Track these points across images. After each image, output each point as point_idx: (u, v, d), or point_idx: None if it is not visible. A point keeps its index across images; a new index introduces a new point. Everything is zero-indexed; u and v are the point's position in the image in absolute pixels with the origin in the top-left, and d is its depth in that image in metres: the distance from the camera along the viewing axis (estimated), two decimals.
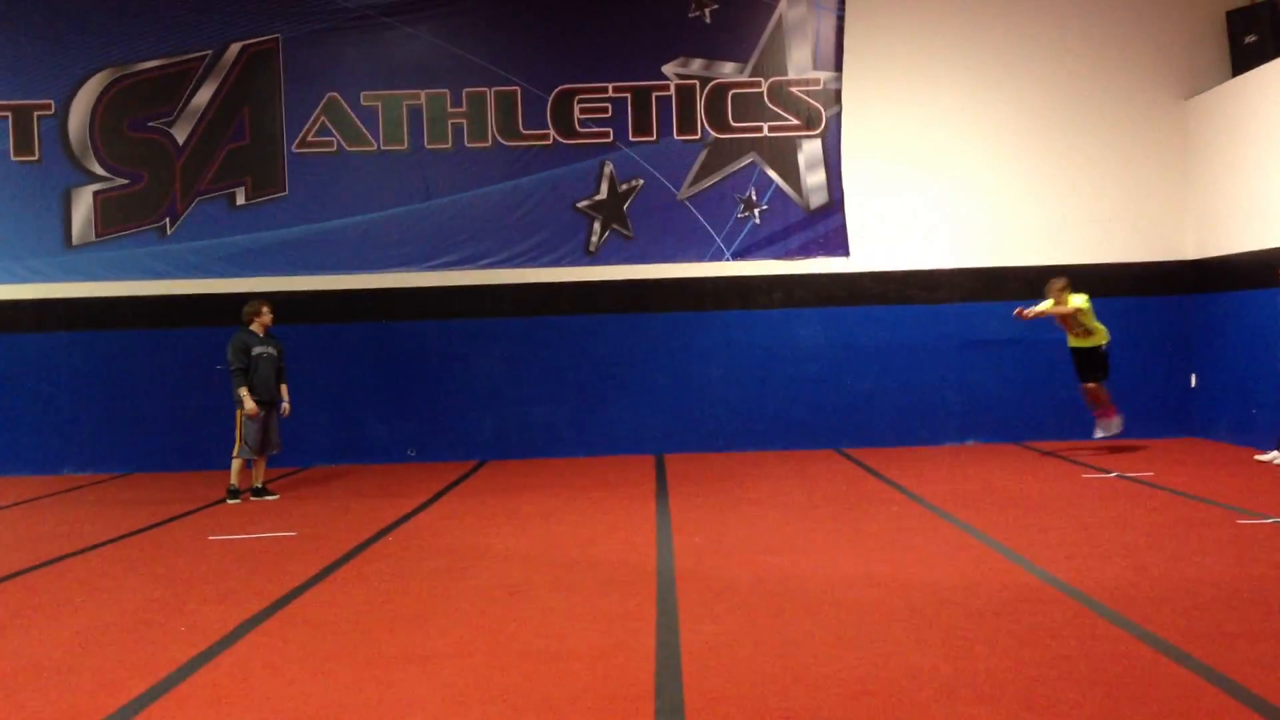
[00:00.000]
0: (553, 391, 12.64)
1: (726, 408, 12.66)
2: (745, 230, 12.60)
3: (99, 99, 12.47)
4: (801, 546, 7.29)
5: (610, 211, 12.60)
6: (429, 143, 12.61)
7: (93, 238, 12.49)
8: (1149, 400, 12.56)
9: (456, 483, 10.86)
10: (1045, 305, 11.00)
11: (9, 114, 12.45)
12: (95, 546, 8.07)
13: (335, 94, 12.55)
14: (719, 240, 12.59)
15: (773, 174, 12.59)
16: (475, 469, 11.85)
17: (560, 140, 12.57)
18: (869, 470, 10.71)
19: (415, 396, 12.64)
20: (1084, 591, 5.81)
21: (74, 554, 7.80)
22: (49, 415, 12.51)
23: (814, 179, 12.61)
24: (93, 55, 12.47)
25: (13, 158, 12.46)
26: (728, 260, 12.60)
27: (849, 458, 11.68)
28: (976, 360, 12.47)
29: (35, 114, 12.46)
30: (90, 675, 4.94)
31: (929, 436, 12.54)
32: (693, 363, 12.65)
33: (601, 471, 11.28)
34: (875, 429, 12.55)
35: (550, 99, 12.55)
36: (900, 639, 5.10)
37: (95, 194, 12.48)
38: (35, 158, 12.47)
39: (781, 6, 12.57)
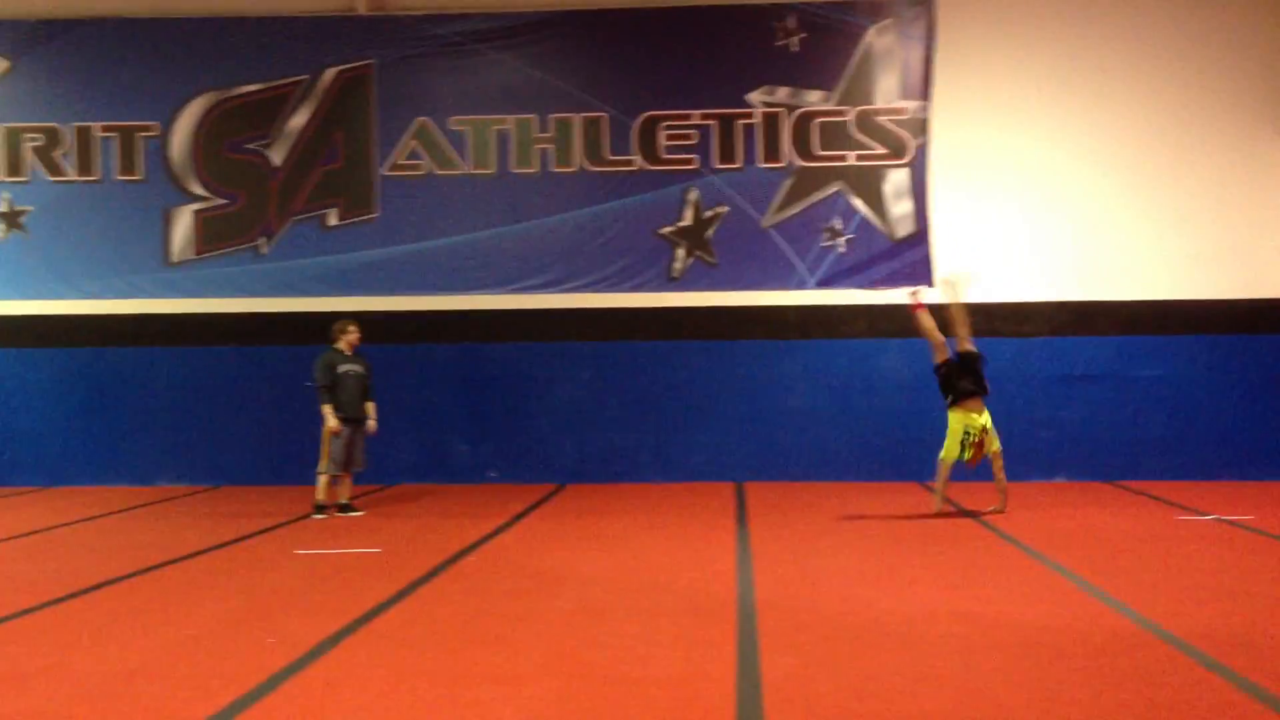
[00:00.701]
0: (634, 417, 12.67)
1: (808, 437, 12.56)
2: (829, 259, 12.53)
3: (201, 121, 12.85)
4: (885, 580, 7.19)
5: (694, 238, 12.63)
6: (516, 167, 12.77)
7: (192, 255, 12.85)
8: (1249, 441, 12.18)
9: (537, 505, 10.92)
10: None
11: (116, 135, 12.89)
12: (188, 557, 8.26)
13: (426, 118, 12.78)
14: (803, 269, 12.54)
15: (858, 203, 12.52)
16: (555, 492, 11.91)
17: (645, 166, 12.65)
18: (953, 504, 10.53)
19: (498, 418, 12.75)
20: (1180, 636, 5.63)
21: (168, 563, 7.99)
22: (146, 427, 12.88)
23: (900, 208, 12.51)
24: (196, 79, 12.87)
25: (117, 177, 12.90)
26: (811, 289, 12.54)
27: (932, 492, 11.48)
28: (1066, 395, 12.21)
29: (140, 135, 12.88)
30: (182, 683, 5.05)
31: (1015, 472, 12.20)
32: (774, 391, 12.58)
33: (681, 498, 11.26)
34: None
35: (636, 125, 12.64)
36: (987, 678, 5.00)
37: (195, 213, 12.86)
38: (139, 177, 12.89)
39: (870, 36, 12.52)
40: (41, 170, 12.90)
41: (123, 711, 4.66)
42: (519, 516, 10.14)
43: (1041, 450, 12.31)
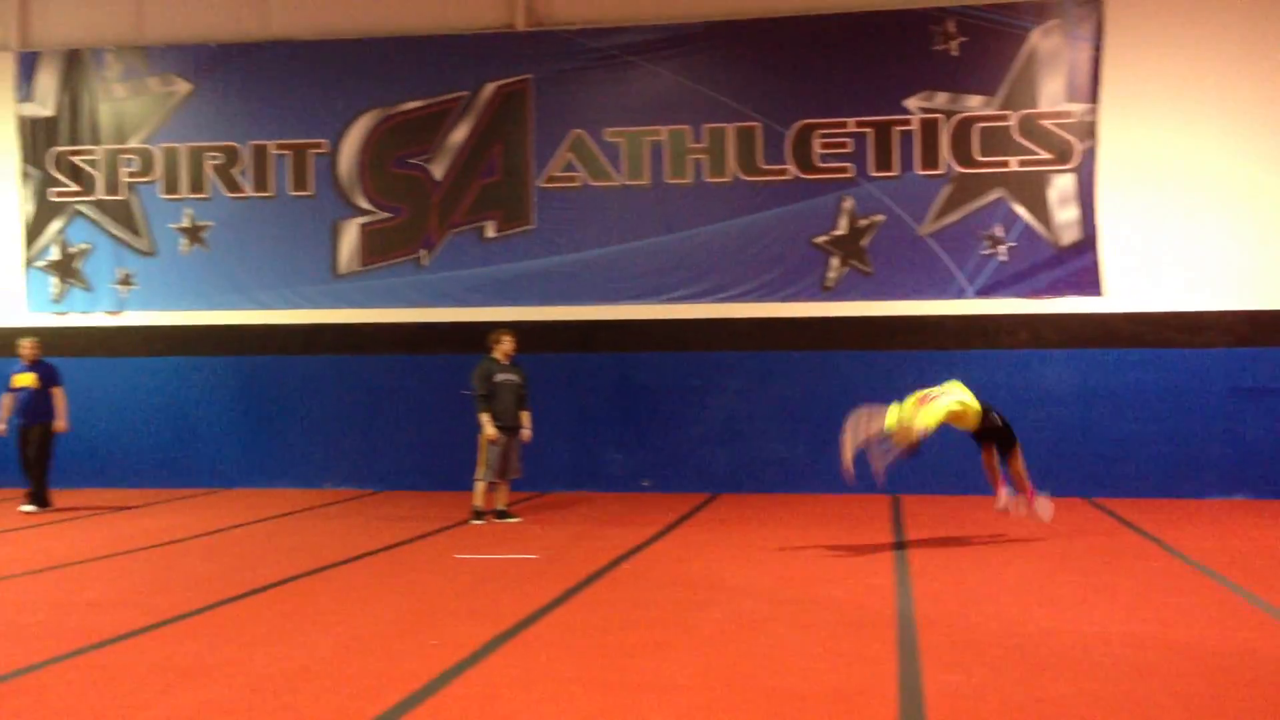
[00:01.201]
0: (787, 427, 12.55)
1: (967, 450, 12.15)
2: (990, 267, 12.18)
3: (367, 138, 13.33)
4: (1052, 599, 6.93)
5: (848, 247, 12.45)
6: (669, 177, 12.83)
7: (357, 267, 13.34)
8: None
9: (690, 514, 10.92)
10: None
11: (289, 153, 13.48)
12: (354, 559, 8.55)
13: (581, 131, 12.95)
14: (961, 277, 12.22)
15: (1021, 210, 12.13)
16: (708, 501, 11.89)
17: (799, 175, 12.54)
18: (1123, 522, 10.11)
19: (651, 427, 12.81)
20: None
21: (336, 565, 8.29)
22: (313, 433, 13.42)
23: (1065, 215, 12.07)
24: (362, 97, 13.35)
25: (290, 193, 13.48)
26: (970, 298, 12.21)
27: (1101, 508, 11.04)
28: (1247, 410, 11.55)
29: (311, 152, 13.44)
30: (352, 681, 5.22)
31: (1190, 489, 11.69)
32: None
33: (836, 509, 11.10)
34: (1130, 479, 11.81)
35: (790, 134, 12.54)
36: (1166, 706, 4.75)
37: (361, 227, 13.34)
38: (310, 193, 13.44)
39: (1034, 38, 12.13)
40: (221, 187, 13.58)
41: (295, 708, 4.84)
42: (672, 526, 10.16)
43: (1220, 466, 11.69)
